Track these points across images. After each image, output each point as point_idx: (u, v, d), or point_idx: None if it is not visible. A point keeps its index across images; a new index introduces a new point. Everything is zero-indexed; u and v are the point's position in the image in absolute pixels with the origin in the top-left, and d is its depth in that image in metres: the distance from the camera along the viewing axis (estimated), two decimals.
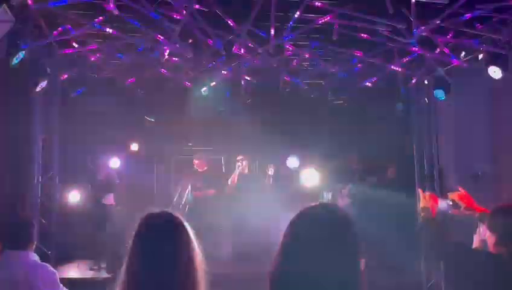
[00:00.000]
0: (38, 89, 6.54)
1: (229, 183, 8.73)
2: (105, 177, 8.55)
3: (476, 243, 3.13)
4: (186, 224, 1.96)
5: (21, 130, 7.17)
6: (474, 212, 3.24)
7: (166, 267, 1.82)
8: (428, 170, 8.08)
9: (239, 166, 8.51)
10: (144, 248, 1.85)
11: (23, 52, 5.72)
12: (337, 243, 1.59)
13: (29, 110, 7.18)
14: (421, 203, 3.22)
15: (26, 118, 7.20)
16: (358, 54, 6.79)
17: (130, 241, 1.89)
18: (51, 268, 3.46)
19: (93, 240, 8.27)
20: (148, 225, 1.92)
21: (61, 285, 3.44)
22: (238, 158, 8.55)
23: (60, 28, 5.93)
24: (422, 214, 3.18)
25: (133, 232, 1.90)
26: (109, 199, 8.45)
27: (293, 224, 1.66)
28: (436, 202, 3.23)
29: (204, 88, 7.56)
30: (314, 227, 1.62)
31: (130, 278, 1.83)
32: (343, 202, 8.83)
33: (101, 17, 5.59)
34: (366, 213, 7.93)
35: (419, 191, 3.39)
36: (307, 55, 6.98)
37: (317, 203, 1.73)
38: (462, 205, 3.29)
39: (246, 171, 8.58)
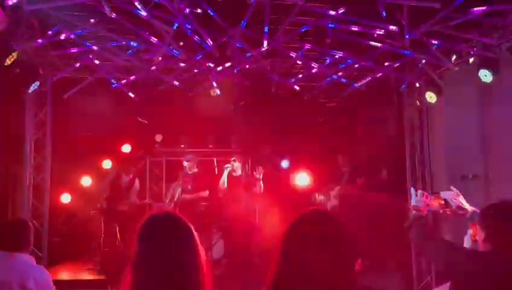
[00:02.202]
0: (30, 90, 6.53)
1: (220, 184, 8.72)
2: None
3: (466, 244, 3.17)
4: (189, 224, 1.96)
5: (13, 130, 7.14)
6: (466, 212, 3.28)
7: (173, 267, 1.82)
8: (419, 171, 8.15)
9: (227, 167, 8.50)
10: (151, 249, 1.84)
11: (16, 53, 5.71)
12: (332, 247, 1.65)
13: (21, 111, 7.16)
14: (413, 202, 3.27)
15: (19, 119, 7.17)
16: (350, 56, 6.83)
17: (136, 243, 1.87)
18: (46, 271, 3.46)
19: (86, 241, 8.25)
20: (153, 225, 1.91)
21: (55, 288, 3.44)
22: (231, 159, 8.55)
23: (53, 29, 5.91)
24: (413, 212, 3.22)
25: (138, 234, 1.89)
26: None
27: (288, 232, 1.74)
28: (428, 202, 3.27)
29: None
30: (310, 233, 1.69)
31: (138, 279, 1.82)
32: (331, 204, 8.88)
33: (94, 19, 5.59)
34: (354, 215, 7.98)
35: (411, 189, 3.43)
36: (299, 58, 7.02)
37: (310, 209, 1.79)
38: (454, 204, 3.33)
39: (239, 172, 8.58)
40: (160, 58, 6.67)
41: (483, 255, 2.69)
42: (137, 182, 8.69)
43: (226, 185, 8.43)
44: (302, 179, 9.28)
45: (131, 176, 8.58)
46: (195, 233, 1.95)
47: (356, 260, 1.73)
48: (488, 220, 2.75)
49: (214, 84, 7.45)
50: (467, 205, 3.32)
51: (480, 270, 2.60)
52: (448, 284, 2.93)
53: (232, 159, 8.53)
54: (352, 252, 1.70)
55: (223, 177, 8.46)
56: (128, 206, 8.45)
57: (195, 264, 1.87)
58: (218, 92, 7.50)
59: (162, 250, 1.84)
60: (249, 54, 6.50)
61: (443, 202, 3.39)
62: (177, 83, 7.58)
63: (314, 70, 7.41)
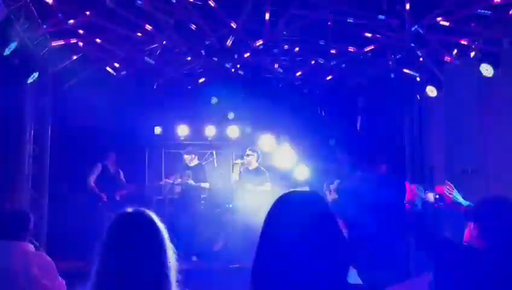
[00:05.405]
0: (30, 80, 6.50)
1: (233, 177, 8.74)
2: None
3: (466, 238, 3.17)
4: (158, 222, 1.93)
5: (12, 121, 7.12)
6: (461, 206, 3.29)
7: (137, 266, 1.80)
8: (419, 165, 8.16)
9: (237, 163, 8.52)
10: (116, 247, 1.84)
11: (15, 43, 5.68)
12: (315, 228, 1.56)
13: (20, 102, 7.13)
14: (408, 196, 3.26)
15: (18, 110, 7.15)
16: (351, 49, 6.81)
17: (102, 240, 1.87)
18: (48, 257, 3.50)
19: (84, 232, 8.25)
20: (120, 223, 1.91)
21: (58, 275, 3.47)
22: (247, 153, 8.54)
23: (53, 19, 5.88)
24: (407, 206, 3.23)
25: (105, 231, 1.88)
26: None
27: (270, 213, 1.64)
28: (414, 192, 3.26)
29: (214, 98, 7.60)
30: (291, 213, 1.60)
31: (102, 279, 1.83)
32: (331, 197, 8.88)
33: (95, 9, 5.56)
34: (353, 208, 7.98)
35: (406, 184, 3.43)
36: (299, 51, 7.01)
37: (292, 190, 1.72)
38: (448, 199, 3.33)
39: (254, 166, 8.52)
40: (160, 49, 6.64)
41: (474, 252, 2.69)
42: (121, 172, 8.71)
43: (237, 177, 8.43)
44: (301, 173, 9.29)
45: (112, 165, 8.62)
46: (163, 230, 1.92)
47: (344, 241, 1.65)
48: (479, 218, 2.76)
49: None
50: (461, 199, 3.33)
51: (470, 267, 2.61)
52: (425, 276, 2.93)
53: (249, 152, 8.50)
54: (339, 233, 1.59)
55: (234, 173, 8.48)
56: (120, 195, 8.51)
57: (163, 261, 1.85)
58: (216, 100, 7.55)
59: (128, 247, 1.83)
60: (250, 47, 6.48)
61: (438, 196, 3.39)
62: (177, 74, 7.56)
63: (314, 63, 7.41)
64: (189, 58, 7.20)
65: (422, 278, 3.83)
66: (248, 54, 6.91)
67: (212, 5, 5.38)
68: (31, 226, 3.54)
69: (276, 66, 7.38)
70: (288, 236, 1.54)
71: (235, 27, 5.85)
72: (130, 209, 1.93)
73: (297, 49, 7.15)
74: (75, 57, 6.95)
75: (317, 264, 1.52)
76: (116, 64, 7.35)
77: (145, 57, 7.14)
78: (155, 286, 1.82)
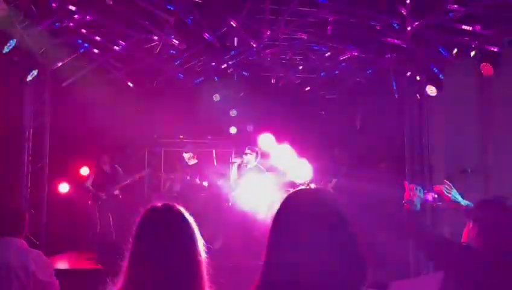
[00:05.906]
0: (29, 78, 6.50)
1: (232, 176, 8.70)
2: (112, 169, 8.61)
3: (465, 238, 3.17)
4: (187, 215, 1.93)
5: (11, 119, 7.11)
6: (460, 206, 3.28)
7: (170, 259, 1.80)
8: (418, 164, 8.14)
9: (235, 161, 8.49)
10: (148, 241, 1.84)
11: (14, 40, 5.67)
12: (326, 224, 1.48)
13: (19, 100, 7.12)
14: (406, 196, 3.25)
15: (17, 107, 7.14)
16: (351, 48, 6.80)
17: (133, 235, 1.86)
18: (45, 257, 3.52)
19: (83, 230, 8.24)
20: (151, 217, 1.90)
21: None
22: (247, 151, 8.49)
23: (52, 17, 5.87)
24: (406, 206, 3.22)
25: (136, 226, 1.88)
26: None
27: (278, 212, 1.55)
28: (413, 193, 3.25)
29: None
30: (301, 210, 1.51)
31: (134, 272, 1.82)
32: None
33: (94, 7, 5.55)
34: (351, 207, 7.95)
35: (405, 184, 3.41)
36: (299, 50, 7.00)
37: (299, 188, 1.62)
38: (447, 198, 3.33)
39: (253, 164, 8.47)
40: (160, 47, 6.62)
41: (473, 252, 2.69)
42: (119, 169, 8.72)
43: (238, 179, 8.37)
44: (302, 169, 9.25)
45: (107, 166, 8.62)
46: (193, 222, 1.93)
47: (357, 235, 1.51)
48: (479, 216, 2.76)
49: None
50: (460, 199, 3.32)
51: (470, 266, 2.61)
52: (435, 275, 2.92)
53: (247, 151, 8.44)
54: (351, 227, 1.51)
55: (232, 173, 8.44)
56: (119, 190, 8.50)
57: (194, 253, 1.86)
58: (219, 97, 7.60)
59: (160, 241, 1.83)
60: (250, 45, 6.47)
61: (436, 195, 3.38)
62: (176, 73, 7.55)
63: (314, 62, 7.40)
64: (188, 57, 7.18)
65: (433, 275, 3.82)
66: (248, 53, 6.89)
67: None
68: (25, 223, 3.58)
69: (276, 64, 7.37)
70: (301, 241, 1.45)
71: (235, 26, 5.84)
72: (159, 204, 1.93)
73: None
74: (74, 55, 6.93)
75: (333, 271, 1.43)
76: (116, 62, 7.33)
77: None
78: (187, 279, 1.82)
